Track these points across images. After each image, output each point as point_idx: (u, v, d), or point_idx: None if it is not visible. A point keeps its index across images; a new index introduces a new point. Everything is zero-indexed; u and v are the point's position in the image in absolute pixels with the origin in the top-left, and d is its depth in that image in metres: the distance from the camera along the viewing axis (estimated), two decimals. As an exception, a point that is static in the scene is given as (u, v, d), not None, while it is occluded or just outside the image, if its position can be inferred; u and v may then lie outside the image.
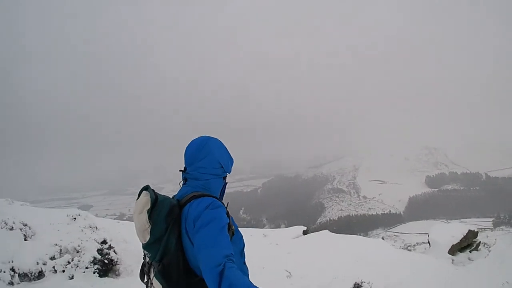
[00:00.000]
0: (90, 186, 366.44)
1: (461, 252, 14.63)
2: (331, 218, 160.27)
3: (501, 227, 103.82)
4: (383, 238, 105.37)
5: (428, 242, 15.97)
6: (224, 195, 2.71)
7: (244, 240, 2.60)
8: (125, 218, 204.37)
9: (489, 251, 13.83)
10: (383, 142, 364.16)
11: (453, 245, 14.36)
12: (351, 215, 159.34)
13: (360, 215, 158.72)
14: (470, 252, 14.85)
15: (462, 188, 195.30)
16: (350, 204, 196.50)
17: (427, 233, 16.61)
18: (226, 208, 2.38)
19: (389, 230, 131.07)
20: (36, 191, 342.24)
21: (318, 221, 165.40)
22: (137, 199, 2.31)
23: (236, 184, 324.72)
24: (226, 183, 2.74)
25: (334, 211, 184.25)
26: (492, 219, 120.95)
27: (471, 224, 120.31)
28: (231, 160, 2.73)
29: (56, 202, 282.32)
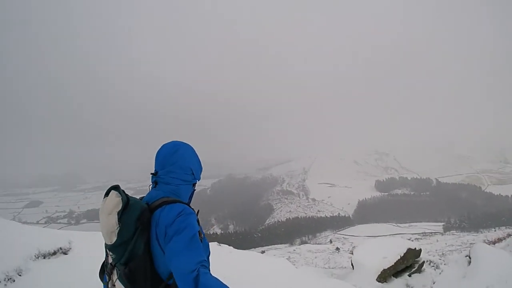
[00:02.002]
0: (40, 181, 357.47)
1: (396, 277, 11.44)
2: (280, 220, 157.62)
3: (451, 231, 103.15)
4: (331, 241, 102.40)
5: (351, 264, 12.18)
6: (191, 200, 2.69)
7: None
8: (74, 215, 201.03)
9: (434, 282, 11.10)
10: (333, 145, 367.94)
11: (384, 269, 11.01)
12: (299, 217, 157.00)
13: (309, 217, 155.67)
14: (409, 275, 11.76)
15: (412, 193, 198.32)
16: (299, 206, 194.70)
17: (351, 252, 13.75)
18: (197, 215, 2.42)
19: (338, 233, 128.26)
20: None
21: (267, 222, 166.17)
22: (104, 197, 2.29)
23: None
24: (195, 189, 2.74)
25: (282, 212, 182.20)
26: (442, 223, 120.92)
27: (422, 228, 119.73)
28: (200, 168, 2.73)
29: (5, 197, 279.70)
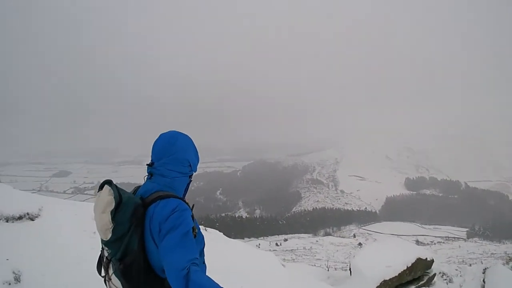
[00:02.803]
0: (72, 153, 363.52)
1: (401, 290, 9.25)
2: (306, 209, 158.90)
3: (474, 238, 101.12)
4: (354, 236, 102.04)
5: (350, 270, 10.77)
6: (187, 192, 2.65)
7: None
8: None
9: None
10: (366, 138, 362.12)
11: (385, 280, 9.39)
12: (326, 208, 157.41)
13: (336, 209, 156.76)
14: (416, 288, 9.62)
15: (440, 194, 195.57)
16: (327, 197, 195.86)
17: (353, 256, 11.81)
18: (192, 210, 2.38)
19: (363, 228, 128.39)
20: (19, 153, 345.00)
21: (293, 210, 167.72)
22: (98, 191, 2.23)
23: (216, 164, 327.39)
24: (191, 180, 2.67)
25: (310, 201, 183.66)
26: (466, 229, 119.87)
27: (445, 231, 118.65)
28: (198, 159, 2.67)
29: (34, 165, 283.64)
